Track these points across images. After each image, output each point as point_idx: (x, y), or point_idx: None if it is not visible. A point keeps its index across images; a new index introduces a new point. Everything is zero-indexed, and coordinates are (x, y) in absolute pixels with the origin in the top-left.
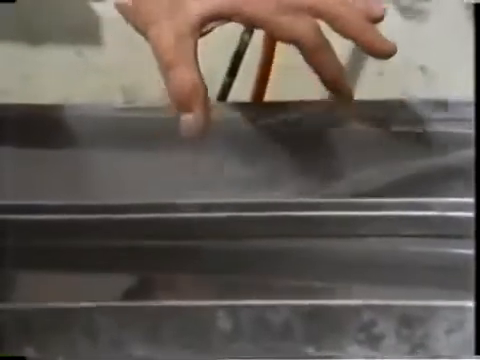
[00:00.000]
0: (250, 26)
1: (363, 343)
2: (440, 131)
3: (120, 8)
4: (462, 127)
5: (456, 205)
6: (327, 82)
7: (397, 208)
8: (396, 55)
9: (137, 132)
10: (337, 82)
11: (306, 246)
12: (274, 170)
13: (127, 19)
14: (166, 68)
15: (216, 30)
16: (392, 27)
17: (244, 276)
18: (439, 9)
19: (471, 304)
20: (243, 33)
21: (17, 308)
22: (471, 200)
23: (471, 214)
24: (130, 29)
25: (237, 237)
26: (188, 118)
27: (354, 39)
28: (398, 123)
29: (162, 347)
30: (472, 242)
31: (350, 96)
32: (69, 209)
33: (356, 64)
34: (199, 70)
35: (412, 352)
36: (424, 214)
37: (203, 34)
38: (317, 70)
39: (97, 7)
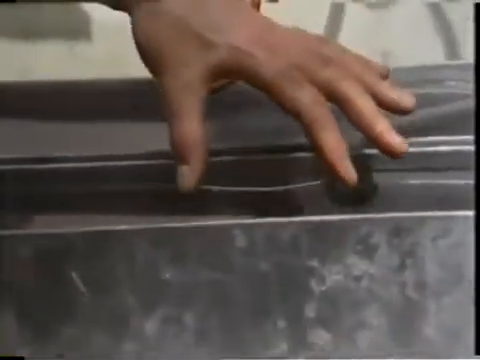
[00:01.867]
0: (255, 86)
1: (361, 253)
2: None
3: (141, 39)
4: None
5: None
6: (324, 164)
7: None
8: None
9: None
10: (334, 167)
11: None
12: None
13: (144, 54)
14: (170, 117)
15: None
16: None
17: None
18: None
19: (458, 213)
20: None
21: (61, 232)
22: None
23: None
24: (118, 27)
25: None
26: (185, 169)
27: (362, 131)
28: None
29: (188, 266)
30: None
31: (349, 183)
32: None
33: None
34: (202, 123)
35: (402, 261)
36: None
37: (215, 90)
38: (315, 149)
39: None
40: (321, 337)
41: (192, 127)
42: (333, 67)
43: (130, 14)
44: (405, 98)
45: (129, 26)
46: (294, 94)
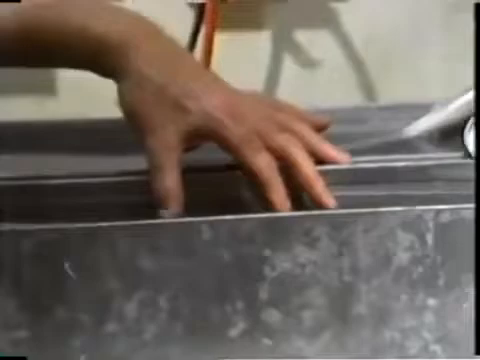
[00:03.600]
0: (222, 148)
1: (305, 244)
2: None
3: (127, 105)
4: None
5: None
6: None
7: None
8: None
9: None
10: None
11: None
12: None
13: (129, 118)
14: (153, 171)
15: None
16: None
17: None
18: None
19: (385, 209)
20: None
21: (56, 228)
22: None
23: None
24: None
25: None
26: (164, 212)
27: (304, 189)
28: None
29: (162, 256)
30: None
31: None
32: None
33: None
34: (179, 176)
35: (340, 250)
36: None
37: (191, 148)
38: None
39: None
40: (272, 316)
41: (172, 180)
42: (285, 134)
43: (118, 82)
44: (341, 156)
45: (93, 81)
46: (252, 159)
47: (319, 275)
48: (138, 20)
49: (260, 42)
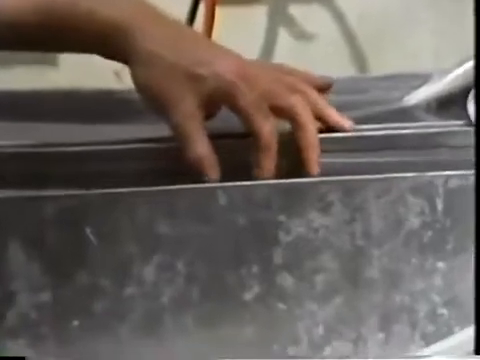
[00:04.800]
0: (232, 111)
1: (319, 210)
2: None
3: (141, 86)
4: None
5: None
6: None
7: None
8: None
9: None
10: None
11: None
12: None
13: (146, 98)
14: (182, 143)
15: None
16: None
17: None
18: None
19: (396, 175)
20: None
21: (77, 194)
22: None
23: None
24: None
25: None
26: (208, 177)
27: (299, 148)
28: None
29: (178, 222)
30: None
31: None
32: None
33: None
34: (208, 141)
35: (352, 215)
36: None
37: (209, 116)
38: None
39: None
40: (286, 280)
41: (203, 148)
42: (294, 94)
43: (129, 65)
44: (345, 122)
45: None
46: (260, 124)
47: (332, 239)
48: (141, 4)
49: (256, 17)
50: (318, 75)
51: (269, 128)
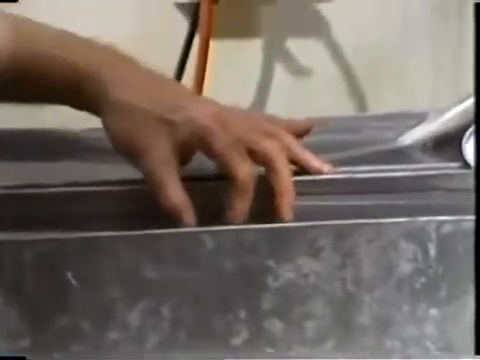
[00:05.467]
0: (208, 156)
1: (309, 255)
2: None
3: (114, 135)
4: None
5: None
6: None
7: None
8: None
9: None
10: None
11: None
12: None
13: (119, 146)
14: (156, 189)
15: None
16: None
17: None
18: None
19: (388, 220)
20: None
21: (58, 238)
22: None
23: None
24: None
25: None
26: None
27: (274, 194)
28: None
29: (164, 266)
30: None
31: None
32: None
33: None
34: (181, 187)
35: (343, 260)
36: None
37: (183, 162)
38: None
39: None
40: (275, 325)
41: (177, 194)
42: (268, 139)
43: (101, 115)
44: (323, 166)
45: None
46: (237, 166)
47: (322, 285)
48: (113, 52)
49: (251, 50)
50: (305, 117)
51: (246, 170)
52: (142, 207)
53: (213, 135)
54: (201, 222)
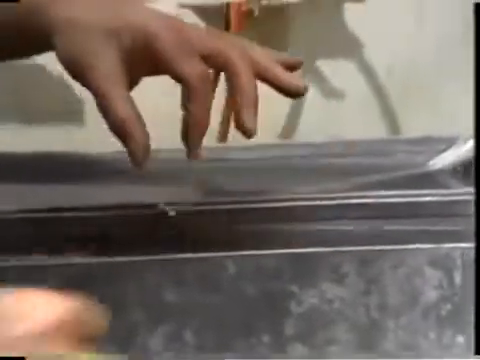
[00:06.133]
0: (155, 63)
1: (333, 280)
2: None
3: (61, 54)
4: None
5: None
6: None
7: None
8: None
9: None
10: (191, 135)
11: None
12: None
13: (66, 66)
14: (102, 107)
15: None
16: None
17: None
18: None
19: (413, 246)
20: None
21: (83, 262)
22: None
23: None
24: None
25: None
26: (133, 145)
27: (233, 103)
28: None
29: (187, 290)
30: None
31: (193, 155)
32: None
33: None
34: (132, 104)
35: (367, 286)
36: None
37: (136, 78)
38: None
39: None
40: (298, 351)
41: (125, 108)
42: (231, 45)
43: (52, 41)
44: (298, 82)
45: None
46: (182, 65)
47: (346, 311)
48: None
49: None
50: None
51: (196, 69)
52: (165, 231)
53: (158, 37)
54: (223, 247)
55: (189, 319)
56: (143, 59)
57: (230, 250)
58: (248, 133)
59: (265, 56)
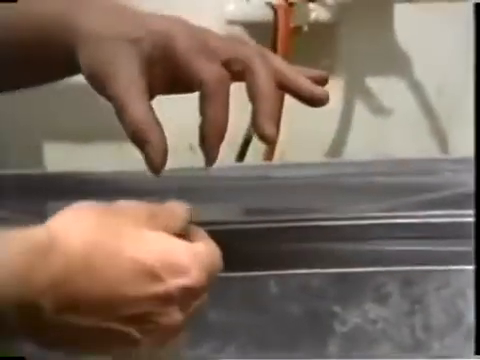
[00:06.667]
0: (172, 65)
1: (376, 300)
2: None
3: (84, 68)
4: None
5: None
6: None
7: None
8: None
9: None
10: (208, 138)
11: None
12: None
13: (89, 80)
14: (120, 113)
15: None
16: None
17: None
18: None
19: (455, 267)
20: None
21: None
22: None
23: None
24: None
25: None
26: (150, 149)
27: (253, 105)
28: None
29: (231, 310)
30: None
31: (210, 160)
32: None
33: None
34: (150, 108)
35: (412, 307)
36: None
37: (159, 86)
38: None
39: None
40: None
41: (143, 111)
42: (250, 50)
43: (76, 54)
44: (318, 89)
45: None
46: (200, 66)
47: (390, 331)
48: None
49: (332, 89)
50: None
51: (214, 71)
52: None
53: (177, 40)
54: (267, 266)
55: (232, 338)
56: (163, 65)
57: (274, 269)
58: (268, 140)
59: (286, 65)
